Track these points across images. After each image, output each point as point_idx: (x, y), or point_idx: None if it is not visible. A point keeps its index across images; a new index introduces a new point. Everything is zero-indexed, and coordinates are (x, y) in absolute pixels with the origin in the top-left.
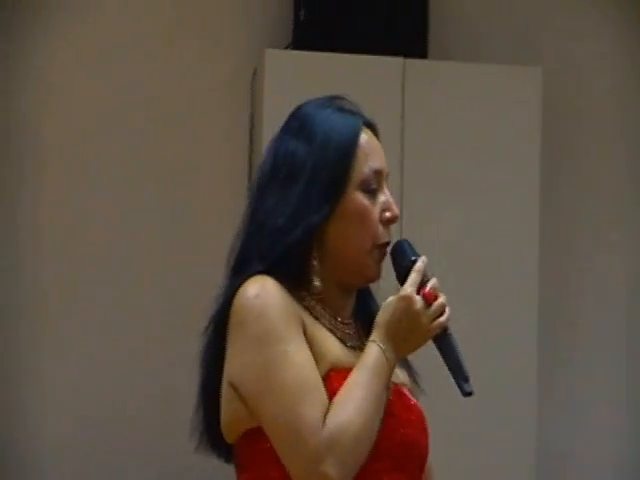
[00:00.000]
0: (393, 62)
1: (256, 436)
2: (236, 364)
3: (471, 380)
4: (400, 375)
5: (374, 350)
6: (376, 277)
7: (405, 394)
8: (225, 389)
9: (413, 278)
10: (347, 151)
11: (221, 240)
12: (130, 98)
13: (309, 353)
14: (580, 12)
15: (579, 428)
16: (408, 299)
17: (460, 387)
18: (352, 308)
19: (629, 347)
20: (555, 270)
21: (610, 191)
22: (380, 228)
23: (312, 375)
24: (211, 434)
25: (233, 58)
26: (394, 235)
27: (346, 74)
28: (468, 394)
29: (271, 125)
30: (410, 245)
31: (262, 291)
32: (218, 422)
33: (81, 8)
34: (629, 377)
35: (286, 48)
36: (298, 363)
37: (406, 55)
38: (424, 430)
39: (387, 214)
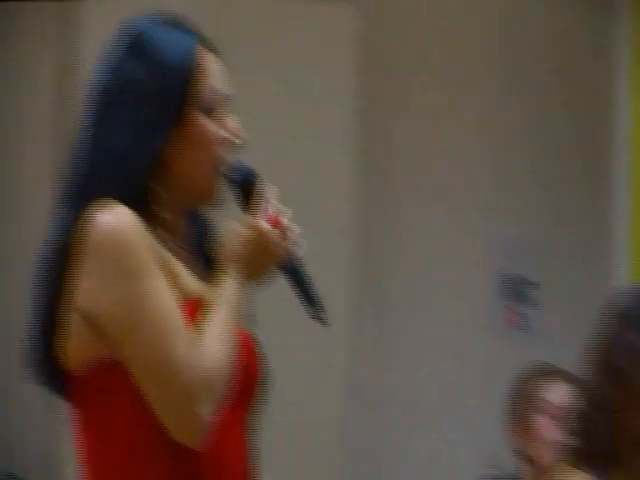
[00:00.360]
0: None
1: (113, 368)
2: (96, 295)
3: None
4: None
5: (232, 285)
6: (219, 202)
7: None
8: (73, 317)
9: (255, 205)
10: (184, 71)
11: None
12: None
13: (170, 290)
14: None
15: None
16: (253, 227)
17: (315, 316)
18: (184, 232)
19: None
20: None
21: (429, 136)
22: (226, 153)
23: (177, 312)
24: (44, 364)
25: None
26: None
27: None
28: (325, 322)
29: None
30: (245, 165)
31: (120, 220)
32: (51, 351)
33: None
34: None
35: None
36: (165, 299)
37: None
38: (259, 364)
39: (236, 140)
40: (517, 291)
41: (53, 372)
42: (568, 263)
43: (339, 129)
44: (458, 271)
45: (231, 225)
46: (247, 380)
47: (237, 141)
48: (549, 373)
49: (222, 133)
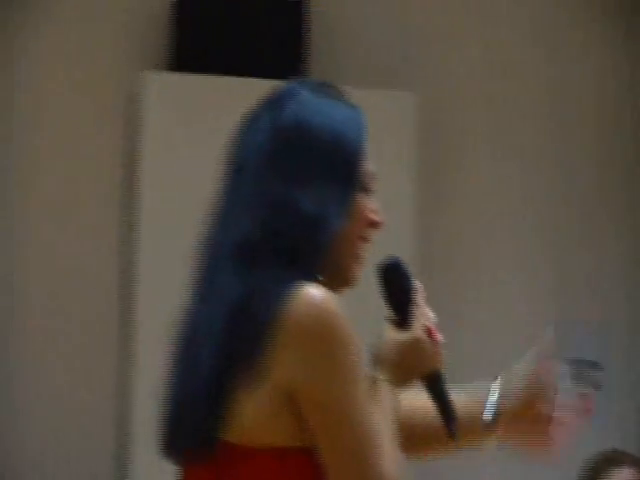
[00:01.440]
0: (271, 85)
1: (297, 452)
2: (313, 382)
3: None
4: None
5: (390, 392)
6: (354, 284)
7: None
8: (269, 394)
9: (419, 316)
10: (359, 148)
11: None
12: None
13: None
14: (451, 39)
15: None
16: (418, 342)
17: (448, 428)
18: None
19: None
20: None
21: (487, 215)
22: (368, 230)
23: (376, 420)
24: (199, 433)
25: (110, 82)
26: None
27: (226, 97)
28: (453, 436)
29: (153, 147)
30: (403, 266)
31: (335, 307)
32: (214, 419)
33: None
34: None
35: (163, 71)
36: (369, 405)
37: (283, 77)
38: None
39: (373, 215)
40: (581, 374)
41: (206, 440)
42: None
43: (399, 206)
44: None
45: (386, 327)
46: None
47: (380, 221)
48: (618, 458)
49: (371, 214)
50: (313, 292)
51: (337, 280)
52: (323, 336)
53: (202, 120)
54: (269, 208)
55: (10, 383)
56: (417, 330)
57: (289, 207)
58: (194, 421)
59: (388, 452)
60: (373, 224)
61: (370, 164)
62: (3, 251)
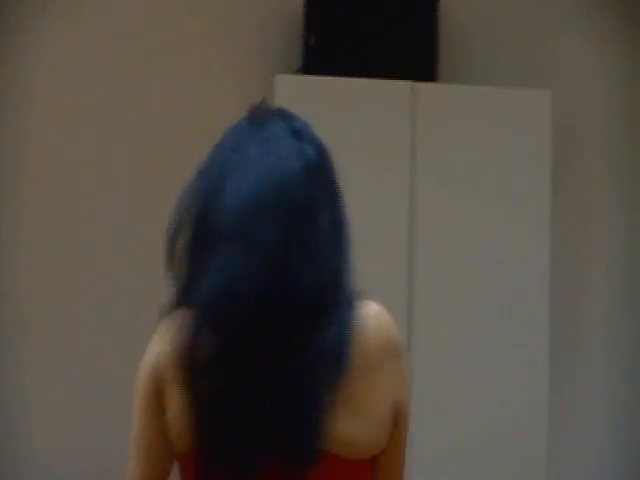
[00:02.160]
0: (402, 85)
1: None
2: (404, 393)
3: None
4: None
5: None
6: None
7: None
8: (385, 407)
9: None
10: None
11: None
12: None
13: None
14: (587, 34)
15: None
16: None
17: None
18: None
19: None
20: (566, 296)
21: (619, 212)
22: None
23: None
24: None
25: (241, 85)
26: (407, 260)
27: (356, 98)
28: None
29: None
30: None
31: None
32: (316, 429)
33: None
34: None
35: (296, 73)
36: None
37: (415, 79)
38: None
39: None
40: None
41: (311, 452)
42: None
43: (533, 210)
44: None
45: None
46: None
47: None
48: None
49: None
50: (388, 317)
51: None
52: (399, 350)
53: (333, 122)
54: (329, 241)
55: None
56: None
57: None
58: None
59: None
60: None
61: None
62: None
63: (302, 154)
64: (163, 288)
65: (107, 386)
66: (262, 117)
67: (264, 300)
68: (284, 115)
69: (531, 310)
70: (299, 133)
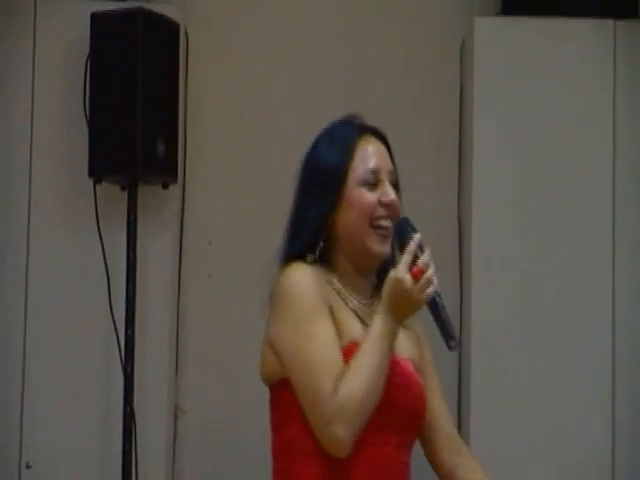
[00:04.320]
0: (604, 24)
1: (285, 383)
2: (276, 332)
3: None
4: (409, 350)
5: (377, 323)
6: (381, 253)
7: (406, 365)
8: (265, 345)
9: (404, 259)
10: (344, 159)
11: None
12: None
13: (333, 333)
14: None
15: None
16: (399, 280)
17: (446, 343)
18: (371, 290)
19: None
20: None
21: None
22: (378, 210)
23: (332, 352)
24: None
25: (442, 29)
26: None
27: (556, 39)
28: (452, 348)
29: (483, 93)
30: (408, 222)
31: (300, 276)
32: None
33: None
34: None
35: (495, 15)
36: (324, 342)
37: (617, 17)
38: (419, 399)
39: (382, 197)
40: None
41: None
42: None
43: None
44: None
45: (390, 274)
46: (404, 408)
47: (385, 199)
48: None
49: (372, 198)
50: (288, 269)
51: (362, 256)
52: (283, 298)
53: (532, 64)
54: (289, 222)
55: None
56: (399, 271)
57: (292, 219)
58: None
59: (334, 373)
60: (382, 204)
61: (372, 163)
62: None
63: None
64: None
65: None
66: None
67: None
68: None
69: None
70: None
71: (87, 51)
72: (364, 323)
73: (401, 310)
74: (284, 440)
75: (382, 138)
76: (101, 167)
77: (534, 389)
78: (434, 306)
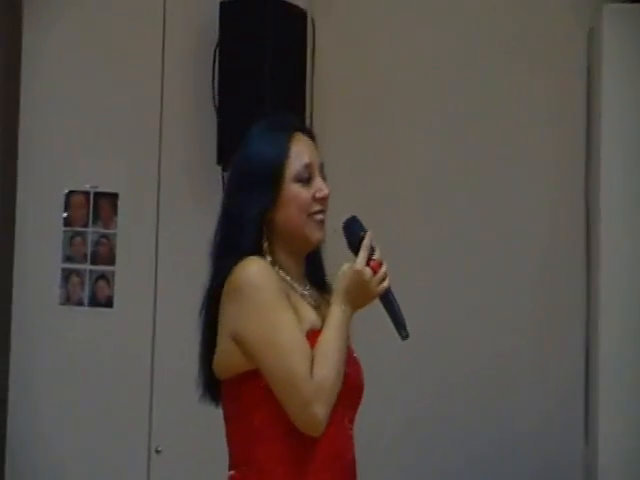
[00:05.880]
0: None
1: (253, 376)
2: (240, 325)
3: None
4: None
5: (337, 312)
6: (320, 239)
7: (350, 345)
8: (224, 340)
9: (362, 254)
10: (281, 156)
11: None
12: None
13: (296, 320)
14: None
15: None
16: (359, 272)
17: (399, 333)
18: (304, 276)
19: None
20: None
21: None
22: (314, 205)
23: (300, 337)
24: (207, 378)
25: (567, 17)
26: None
27: None
28: (405, 338)
29: (612, 83)
30: (358, 221)
31: (258, 268)
32: (210, 365)
33: None
34: None
35: (625, 2)
36: (290, 328)
37: None
38: (361, 375)
39: (317, 194)
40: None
41: (212, 382)
42: None
43: None
44: None
45: (344, 267)
46: (352, 386)
47: (319, 195)
48: None
49: (308, 195)
50: (244, 264)
51: (300, 243)
52: (242, 291)
53: None
54: (226, 220)
55: None
56: (358, 265)
57: (234, 217)
58: (203, 371)
59: (305, 356)
60: (317, 200)
61: (305, 159)
62: None
63: None
64: None
65: None
66: None
67: None
68: None
69: None
70: None
71: (216, 39)
72: (315, 307)
73: (358, 300)
74: (246, 430)
75: (310, 134)
76: (230, 154)
77: None
78: (388, 298)
